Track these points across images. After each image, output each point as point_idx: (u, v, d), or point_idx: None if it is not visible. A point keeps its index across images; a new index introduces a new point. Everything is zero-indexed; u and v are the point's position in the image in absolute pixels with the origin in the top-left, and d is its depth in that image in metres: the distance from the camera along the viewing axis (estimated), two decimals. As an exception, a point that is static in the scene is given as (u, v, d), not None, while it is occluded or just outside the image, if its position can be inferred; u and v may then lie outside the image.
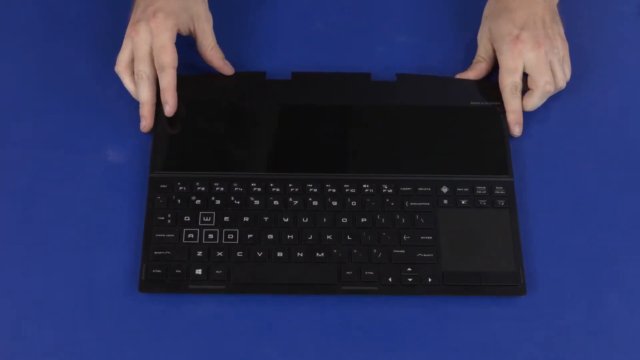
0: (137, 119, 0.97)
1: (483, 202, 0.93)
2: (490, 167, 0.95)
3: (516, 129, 0.97)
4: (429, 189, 0.94)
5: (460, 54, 1.04)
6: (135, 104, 0.97)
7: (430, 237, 0.91)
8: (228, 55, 1.01)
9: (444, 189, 0.94)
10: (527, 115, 0.99)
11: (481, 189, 0.94)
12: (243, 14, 1.06)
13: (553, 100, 1.00)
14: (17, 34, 1.04)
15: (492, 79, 1.00)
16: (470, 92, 0.99)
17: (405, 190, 0.93)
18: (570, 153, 0.98)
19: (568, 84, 0.99)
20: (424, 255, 0.90)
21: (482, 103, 0.98)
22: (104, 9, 1.06)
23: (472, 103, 0.98)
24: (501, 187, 0.94)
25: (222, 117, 0.97)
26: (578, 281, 0.91)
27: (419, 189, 0.93)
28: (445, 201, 0.93)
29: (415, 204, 0.93)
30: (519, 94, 0.98)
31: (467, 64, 1.02)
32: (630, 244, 0.93)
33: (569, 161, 0.98)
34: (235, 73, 1.00)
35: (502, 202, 0.93)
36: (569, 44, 0.99)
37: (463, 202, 0.93)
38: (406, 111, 0.98)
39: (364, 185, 0.93)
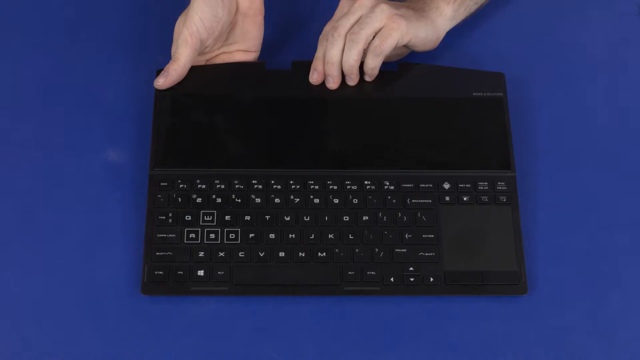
0: (137, 118, 0.97)
1: (485, 198, 0.93)
2: (493, 162, 0.94)
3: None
4: (431, 185, 0.93)
5: (458, 51, 1.04)
6: (134, 104, 0.98)
7: (432, 236, 0.91)
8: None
9: (446, 185, 0.93)
10: (527, 115, 0.99)
11: (483, 185, 0.93)
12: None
13: (554, 99, 1.01)
14: (17, 34, 1.04)
15: (492, 68, 1.00)
16: (472, 83, 0.98)
17: (407, 186, 0.93)
18: (571, 152, 0.98)
19: (569, 83, 0.99)
20: (426, 254, 0.90)
21: (485, 94, 0.97)
22: (104, 9, 1.06)
23: (474, 94, 0.97)
24: (503, 183, 0.93)
25: (221, 110, 0.96)
26: (578, 280, 0.91)
27: (421, 185, 0.93)
28: (447, 198, 0.92)
29: (417, 201, 0.92)
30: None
31: (465, 61, 1.02)
32: (631, 244, 0.93)
33: (569, 161, 0.98)
34: (234, 63, 0.99)
35: (504, 199, 0.93)
36: (569, 43, 0.99)
37: (465, 199, 0.93)
38: (408, 103, 0.97)
39: (366, 182, 0.93)
